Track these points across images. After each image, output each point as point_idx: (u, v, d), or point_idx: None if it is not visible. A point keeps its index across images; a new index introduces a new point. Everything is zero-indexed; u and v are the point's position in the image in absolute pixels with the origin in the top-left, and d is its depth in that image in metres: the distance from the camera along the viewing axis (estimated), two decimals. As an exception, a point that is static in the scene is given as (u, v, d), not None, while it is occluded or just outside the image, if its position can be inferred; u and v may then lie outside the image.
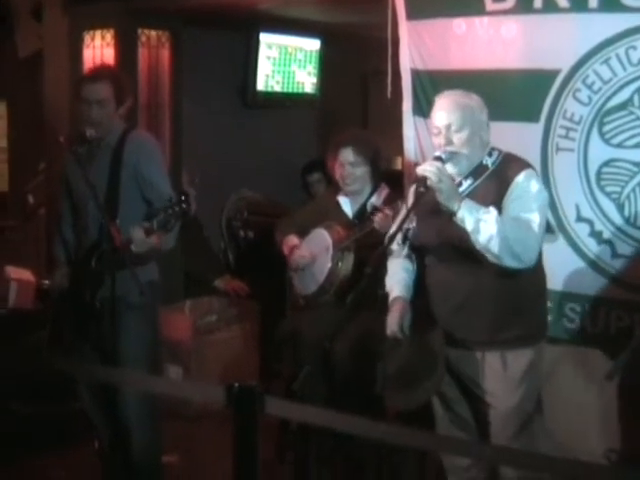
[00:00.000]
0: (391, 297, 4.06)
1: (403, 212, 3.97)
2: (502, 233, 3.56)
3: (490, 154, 3.86)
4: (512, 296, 3.81)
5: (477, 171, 3.82)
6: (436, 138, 3.84)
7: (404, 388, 3.90)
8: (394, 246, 4.00)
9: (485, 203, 3.67)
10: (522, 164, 3.83)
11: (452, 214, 3.61)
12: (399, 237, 3.86)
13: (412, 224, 3.87)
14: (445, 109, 3.82)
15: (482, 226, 3.57)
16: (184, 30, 6.99)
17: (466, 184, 3.82)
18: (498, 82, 4.64)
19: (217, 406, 2.46)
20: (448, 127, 3.77)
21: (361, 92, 8.67)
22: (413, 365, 3.87)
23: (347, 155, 4.87)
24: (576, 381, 4.59)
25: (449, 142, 3.77)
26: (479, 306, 3.82)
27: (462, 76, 4.71)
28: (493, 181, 3.79)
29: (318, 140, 8.01)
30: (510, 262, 3.64)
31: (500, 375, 3.86)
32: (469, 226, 3.58)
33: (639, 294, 4.27)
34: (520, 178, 3.73)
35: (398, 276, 4.09)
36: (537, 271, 3.89)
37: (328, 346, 4.25)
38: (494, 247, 3.58)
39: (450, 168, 3.74)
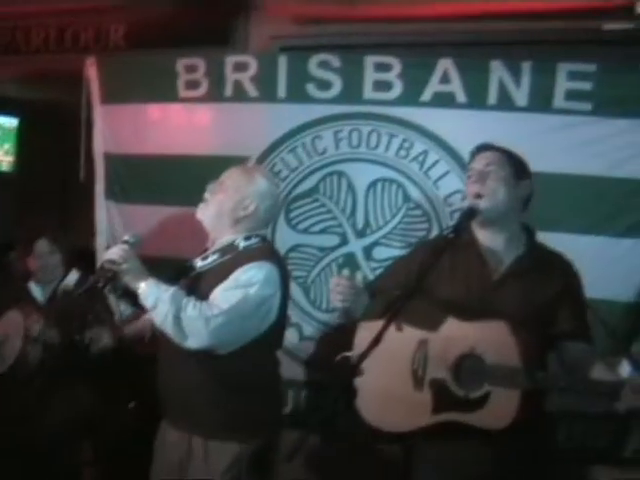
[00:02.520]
0: None
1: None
2: (178, 312, 3.50)
3: (248, 238, 3.73)
4: (212, 384, 3.69)
5: (226, 249, 3.72)
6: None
7: None
8: None
9: (219, 282, 3.60)
10: (263, 254, 3.68)
11: (138, 294, 3.57)
12: None
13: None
14: (230, 170, 3.80)
15: (160, 305, 3.52)
16: None
17: (211, 258, 3.73)
18: (191, 167, 4.71)
19: None
20: (220, 183, 3.75)
21: (61, 172, 8.54)
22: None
23: (43, 246, 4.81)
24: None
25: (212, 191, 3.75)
26: (183, 389, 3.72)
27: (155, 161, 4.77)
28: (234, 263, 3.65)
29: (15, 220, 7.79)
30: (188, 343, 3.54)
31: (202, 464, 3.72)
32: (149, 304, 3.54)
33: (323, 374, 4.38)
34: (246, 265, 3.62)
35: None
36: (240, 361, 3.68)
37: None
38: (168, 326, 3.52)
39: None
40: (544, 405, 3.49)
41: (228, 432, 3.70)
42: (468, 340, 3.32)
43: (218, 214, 3.73)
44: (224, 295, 3.59)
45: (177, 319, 3.52)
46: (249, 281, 3.60)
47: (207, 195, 3.75)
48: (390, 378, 3.44)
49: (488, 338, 3.29)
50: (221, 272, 3.65)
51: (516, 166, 3.49)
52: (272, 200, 3.78)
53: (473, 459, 3.39)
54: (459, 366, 3.33)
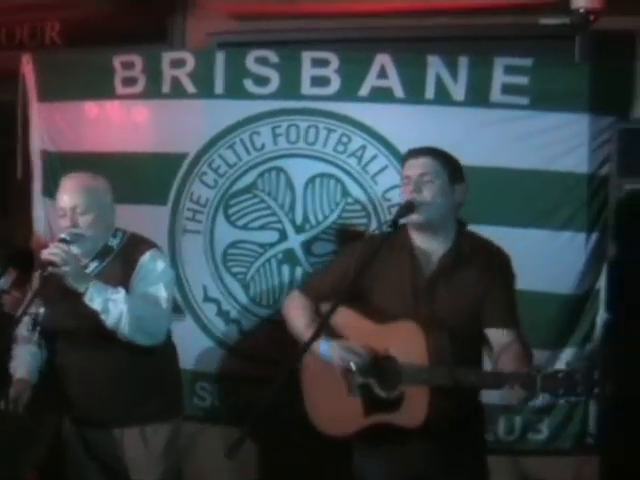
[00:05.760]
0: (14, 378, 3.98)
1: (29, 295, 3.88)
2: (132, 311, 3.59)
3: (115, 235, 3.87)
4: (145, 373, 3.82)
5: (103, 253, 3.82)
6: (62, 220, 3.79)
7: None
8: (23, 332, 3.90)
9: (112, 284, 3.67)
10: (147, 244, 3.88)
11: (81, 295, 3.59)
12: (29, 323, 3.78)
13: (41, 309, 3.78)
14: (70, 191, 3.78)
15: (111, 306, 3.58)
16: None
17: (92, 266, 3.79)
18: (129, 165, 4.68)
19: None
20: (73, 209, 3.74)
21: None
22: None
23: None
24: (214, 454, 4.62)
25: (75, 224, 3.74)
26: (113, 386, 3.79)
27: (93, 158, 4.71)
28: (119, 262, 3.80)
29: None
30: (142, 339, 3.68)
31: (142, 451, 3.85)
32: (98, 306, 3.58)
33: (264, 368, 4.34)
34: (145, 258, 3.79)
35: (22, 359, 4.00)
36: (167, 347, 3.95)
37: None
38: (124, 326, 3.60)
39: (76, 250, 3.70)
40: (475, 401, 3.57)
41: (161, 415, 3.90)
42: (385, 342, 3.41)
43: (96, 229, 3.79)
44: (150, 291, 3.75)
45: (134, 318, 3.62)
46: (158, 271, 3.80)
47: (78, 229, 3.74)
48: (328, 384, 3.54)
49: (400, 339, 3.37)
50: (111, 274, 3.76)
51: (451, 171, 3.49)
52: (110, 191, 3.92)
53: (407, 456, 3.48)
54: (379, 368, 3.41)
